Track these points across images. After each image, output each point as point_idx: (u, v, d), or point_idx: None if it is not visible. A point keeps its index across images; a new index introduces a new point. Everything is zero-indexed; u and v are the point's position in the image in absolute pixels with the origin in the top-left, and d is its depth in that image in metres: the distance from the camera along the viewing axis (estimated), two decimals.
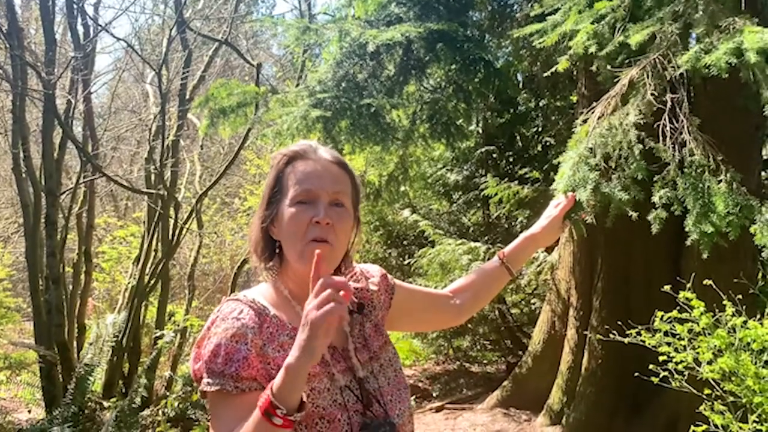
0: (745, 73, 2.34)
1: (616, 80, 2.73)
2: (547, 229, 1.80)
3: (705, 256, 2.45)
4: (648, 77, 2.54)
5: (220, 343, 1.23)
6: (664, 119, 2.53)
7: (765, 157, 5.02)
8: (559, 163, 2.24)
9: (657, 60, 2.56)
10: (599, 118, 2.51)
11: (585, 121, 2.53)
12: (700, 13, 2.59)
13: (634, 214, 2.27)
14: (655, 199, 2.42)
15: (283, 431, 1.13)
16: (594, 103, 2.72)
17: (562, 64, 3.06)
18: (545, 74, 3.52)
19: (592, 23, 2.79)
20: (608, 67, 2.80)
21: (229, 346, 1.22)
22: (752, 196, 2.42)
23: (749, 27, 2.39)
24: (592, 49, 2.76)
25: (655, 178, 2.44)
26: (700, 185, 2.37)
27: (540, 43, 3.10)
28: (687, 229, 2.43)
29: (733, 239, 2.36)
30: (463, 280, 1.71)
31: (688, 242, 2.49)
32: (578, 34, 2.79)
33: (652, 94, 2.49)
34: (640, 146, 2.37)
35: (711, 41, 2.46)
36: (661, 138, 2.49)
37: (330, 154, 1.37)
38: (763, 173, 4.99)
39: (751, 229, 2.35)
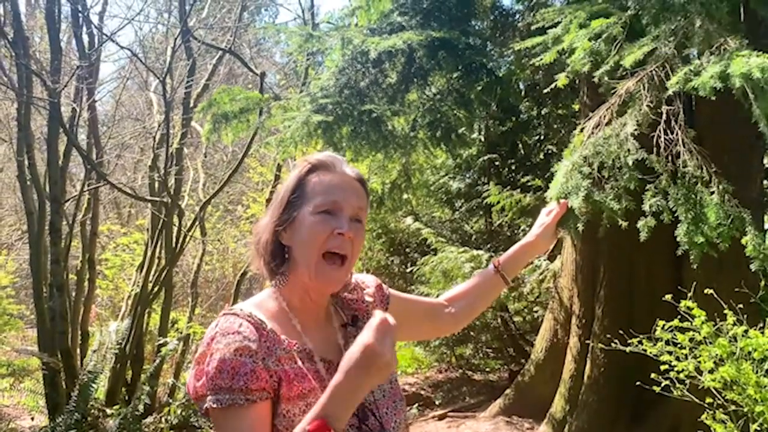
0: (736, 92, 2.36)
1: (615, 91, 2.75)
2: (541, 237, 1.80)
3: (695, 266, 2.47)
4: (644, 89, 2.55)
5: (225, 359, 1.21)
6: (659, 131, 2.55)
7: (767, 166, 5.02)
8: (555, 171, 2.25)
9: (654, 72, 2.58)
10: (595, 127, 2.53)
11: (582, 130, 2.55)
12: (696, 31, 2.60)
13: (624, 224, 2.28)
14: (645, 207, 2.44)
15: None
16: (593, 113, 2.75)
17: (562, 80, 3.08)
18: (547, 89, 3.55)
19: (589, 40, 2.81)
20: (606, 78, 2.82)
21: (234, 361, 1.21)
22: (753, 204, 2.44)
23: (737, 52, 2.41)
24: (587, 68, 2.78)
25: (647, 188, 2.46)
26: (693, 196, 2.38)
27: (539, 60, 3.13)
28: (678, 239, 2.45)
29: (723, 249, 2.37)
30: (459, 289, 1.71)
31: (679, 252, 2.51)
32: (576, 52, 2.82)
33: (648, 106, 2.51)
34: (634, 157, 2.38)
35: (701, 63, 2.48)
36: (655, 149, 2.51)
37: (352, 171, 1.39)
38: (765, 182, 4.99)
39: (743, 241, 2.36)
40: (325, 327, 1.38)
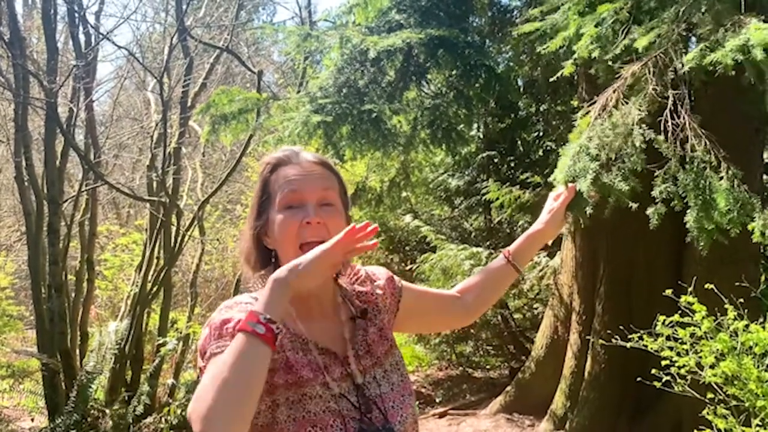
0: (751, 72, 2.30)
1: (619, 76, 2.70)
2: (551, 224, 1.75)
3: (704, 253, 2.42)
4: (650, 73, 2.51)
5: (233, 317, 1.21)
6: (666, 115, 2.51)
7: (766, 160, 5.02)
8: (559, 157, 2.19)
9: (659, 57, 2.53)
10: (602, 110, 2.48)
11: (587, 113, 2.49)
12: (704, 13, 2.55)
13: (635, 206, 2.22)
14: (655, 193, 2.39)
15: (265, 347, 1.12)
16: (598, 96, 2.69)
17: (568, 68, 3.02)
18: (550, 80, 3.48)
19: (595, 26, 2.77)
20: (609, 64, 2.77)
21: (239, 319, 1.19)
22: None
23: (756, 24, 2.34)
24: (596, 54, 2.73)
25: (656, 174, 2.41)
26: (702, 182, 2.34)
27: (544, 49, 3.08)
28: (687, 225, 2.40)
29: (728, 240, 2.34)
30: (470, 281, 1.70)
31: (688, 239, 2.46)
32: (582, 39, 2.77)
33: (653, 89, 2.46)
34: (641, 138, 2.33)
35: (716, 39, 2.41)
36: (663, 134, 2.46)
37: (313, 156, 1.38)
38: (765, 176, 4.99)
39: (749, 227, 2.32)
40: (330, 318, 1.37)
